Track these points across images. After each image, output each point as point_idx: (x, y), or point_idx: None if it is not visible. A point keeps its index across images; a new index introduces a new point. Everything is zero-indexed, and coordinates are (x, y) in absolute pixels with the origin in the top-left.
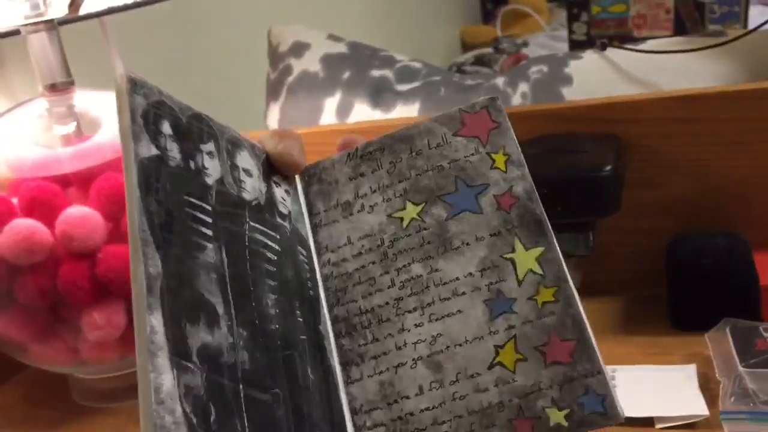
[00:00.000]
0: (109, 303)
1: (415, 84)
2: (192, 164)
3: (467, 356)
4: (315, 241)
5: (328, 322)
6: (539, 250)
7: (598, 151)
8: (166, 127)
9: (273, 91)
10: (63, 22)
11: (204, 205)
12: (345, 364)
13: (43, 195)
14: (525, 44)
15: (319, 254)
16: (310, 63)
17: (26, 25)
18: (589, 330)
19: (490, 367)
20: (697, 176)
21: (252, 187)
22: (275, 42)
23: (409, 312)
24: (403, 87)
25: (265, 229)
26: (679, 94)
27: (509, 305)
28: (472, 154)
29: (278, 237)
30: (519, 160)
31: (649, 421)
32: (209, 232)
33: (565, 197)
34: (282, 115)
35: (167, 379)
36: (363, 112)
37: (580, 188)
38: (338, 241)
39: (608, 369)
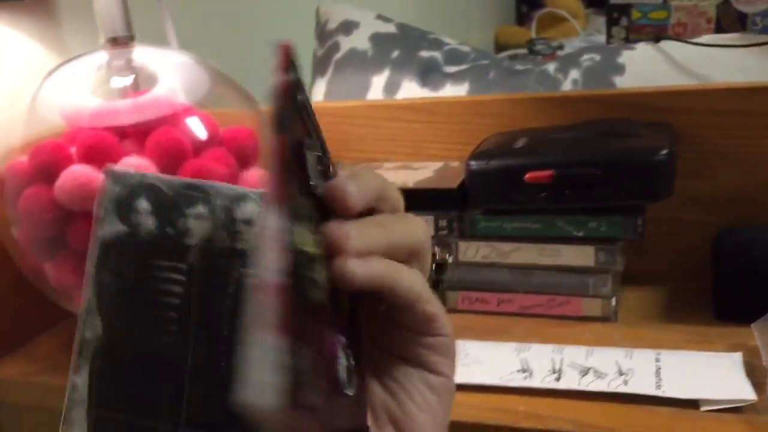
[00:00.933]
0: None
1: (464, 66)
2: (170, 230)
3: None
4: None
5: None
6: None
7: (654, 136)
8: (143, 205)
9: (319, 66)
10: None
11: (178, 264)
12: None
13: (101, 144)
14: (560, 47)
15: None
16: (358, 41)
17: None
18: None
19: None
20: (747, 169)
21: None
22: (323, 19)
23: None
24: (451, 68)
25: None
26: (734, 86)
27: None
28: None
29: None
30: None
31: (693, 404)
32: (179, 289)
33: (618, 179)
34: (328, 90)
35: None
36: (411, 91)
37: (635, 170)
38: None
39: (652, 353)
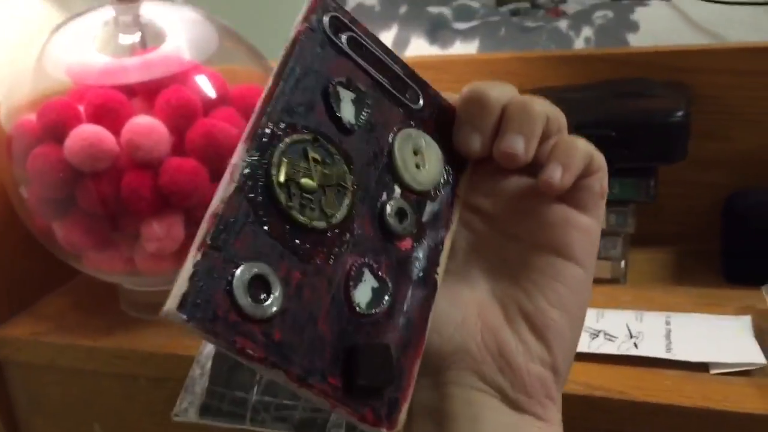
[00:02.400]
0: (169, 215)
1: (473, 23)
2: None
3: None
4: None
5: None
6: None
7: (670, 96)
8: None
9: None
10: None
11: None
12: None
13: (110, 102)
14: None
15: None
16: None
17: None
18: None
19: None
20: (763, 131)
21: None
22: None
23: None
24: (460, 25)
25: None
26: (752, 46)
27: None
28: None
29: None
30: None
31: (703, 367)
32: None
33: (633, 141)
34: None
35: None
36: (420, 48)
37: (651, 132)
38: None
39: (662, 315)
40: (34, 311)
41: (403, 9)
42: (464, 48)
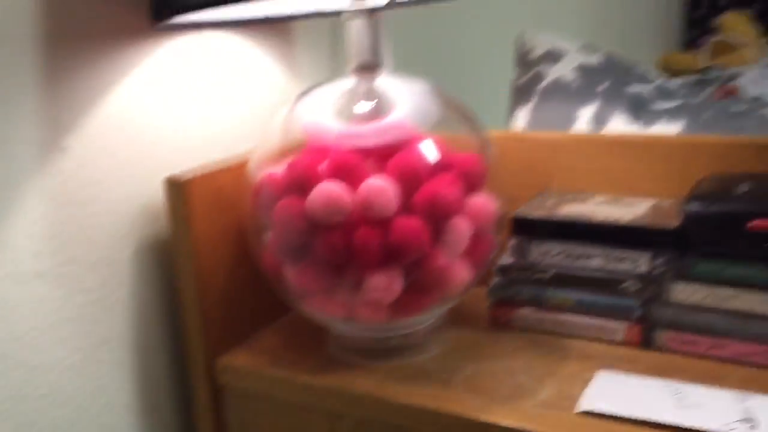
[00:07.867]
0: (391, 269)
1: (675, 103)
2: None
3: None
4: None
5: None
6: None
7: None
8: None
9: (520, 94)
10: (376, 9)
11: None
12: None
13: (349, 163)
14: (736, 76)
15: None
16: (564, 71)
17: (350, 11)
18: None
19: None
20: None
21: None
22: (526, 48)
23: None
24: (662, 105)
25: None
26: None
27: None
28: None
29: None
30: None
31: None
32: None
33: None
34: (532, 119)
35: None
36: (620, 125)
37: None
38: None
39: None
40: (250, 345)
41: (602, 86)
42: (667, 128)
